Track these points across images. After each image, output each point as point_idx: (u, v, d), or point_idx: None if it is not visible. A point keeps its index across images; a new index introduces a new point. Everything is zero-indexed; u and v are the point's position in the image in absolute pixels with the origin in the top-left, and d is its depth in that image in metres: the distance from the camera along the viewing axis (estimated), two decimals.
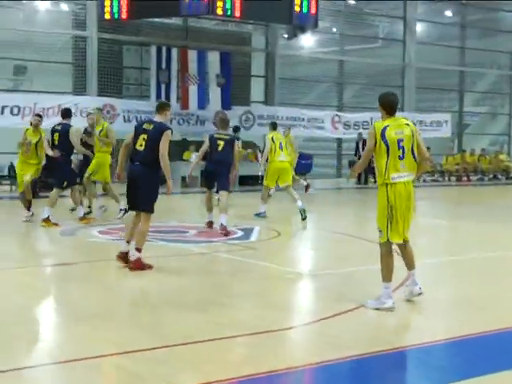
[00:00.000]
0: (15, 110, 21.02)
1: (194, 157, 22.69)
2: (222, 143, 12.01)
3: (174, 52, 23.65)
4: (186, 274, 8.65)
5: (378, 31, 31.45)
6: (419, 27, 30.85)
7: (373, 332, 6.16)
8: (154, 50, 23.47)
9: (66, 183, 12.69)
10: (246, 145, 25.55)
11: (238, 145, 12.68)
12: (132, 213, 9.01)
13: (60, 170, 12.70)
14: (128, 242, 8.73)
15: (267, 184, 14.17)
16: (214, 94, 24.16)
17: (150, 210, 8.59)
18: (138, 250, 8.51)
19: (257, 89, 27.70)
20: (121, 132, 23.52)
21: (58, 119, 21.66)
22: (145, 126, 8.62)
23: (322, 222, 14.31)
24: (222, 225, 11.63)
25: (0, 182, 19.81)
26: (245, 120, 25.62)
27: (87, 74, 23.37)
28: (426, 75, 32.80)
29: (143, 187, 8.47)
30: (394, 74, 31.57)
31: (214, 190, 12.24)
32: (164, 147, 8.39)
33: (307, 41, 30.39)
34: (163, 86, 23.39)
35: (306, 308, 7.39)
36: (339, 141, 29.76)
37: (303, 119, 26.77)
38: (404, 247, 7.05)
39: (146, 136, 8.47)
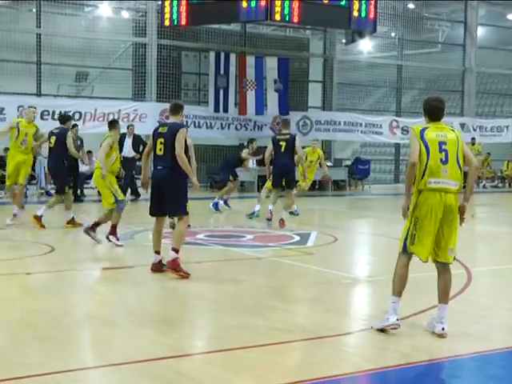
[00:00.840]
0: (77, 116, 21.41)
1: (251, 162, 22.78)
2: (283, 144, 12.59)
3: (233, 57, 23.78)
4: (242, 279, 8.65)
5: (438, 35, 31.02)
6: (480, 31, 30.35)
7: (432, 339, 6.05)
8: (212, 55, 23.64)
9: (66, 188, 12.98)
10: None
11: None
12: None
13: (60, 175, 13.07)
14: (157, 253, 8.68)
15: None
16: (272, 99, 24.20)
17: (182, 212, 8.53)
18: (175, 250, 8.39)
19: (314, 94, 27.63)
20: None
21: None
22: (160, 129, 8.56)
23: (380, 228, 14.17)
24: (282, 219, 12.91)
25: None
26: (302, 125, 25.58)
27: (146, 79, 23.66)
28: (487, 80, 32.29)
29: (169, 191, 8.37)
30: (454, 78, 31.14)
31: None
32: (179, 145, 8.27)
33: (365, 46, 30.20)
34: (221, 92, 23.54)
35: (363, 313, 7.31)
36: (397, 146, 29.48)
37: (361, 124, 26.60)
38: (441, 270, 6.23)
39: (162, 140, 8.41)
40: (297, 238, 11.94)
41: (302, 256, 10.33)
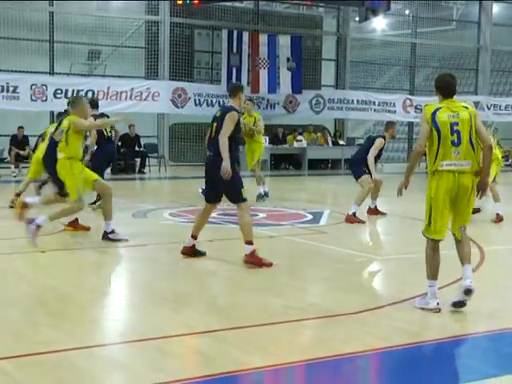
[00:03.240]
0: (89, 94, 21.43)
1: (263, 140, 22.71)
2: None
3: (245, 36, 23.70)
4: None
5: (452, 13, 30.77)
6: (495, 8, 30.05)
7: (443, 318, 6.06)
8: (225, 33, 23.57)
9: None
10: (316, 128, 25.47)
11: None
12: None
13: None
14: (194, 237, 8.36)
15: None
16: (285, 77, 24.13)
17: (239, 200, 8.03)
18: (249, 242, 7.96)
19: (327, 72, 27.53)
20: (191, 116, 23.88)
21: (131, 103, 22.22)
22: (216, 113, 8.24)
23: (392, 207, 14.14)
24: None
25: None
26: (315, 104, 25.51)
27: (159, 58, 23.64)
28: (502, 58, 31.99)
29: (219, 179, 7.90)
30: (468, 56, 30.92)
31: None
32: (223, 129, 7.86)
33: (379, 23, 29.98)
34: (234, 70, 23.49)
35: (376, 292, 7.33)
36: (410, 124, 29.37)
37: (374, 103, 26.50)
38: (456, 241, 6.34)
39: (215, 124, 8.08)
40: (309, 217, 11.94)
41: (315, 235, 10.34)
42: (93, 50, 24.31)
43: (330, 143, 25.28)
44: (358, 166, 12.12)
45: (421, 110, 27.21)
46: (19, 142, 20.18)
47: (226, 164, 7.80)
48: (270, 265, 7.91)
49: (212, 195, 8.25)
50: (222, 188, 8.03)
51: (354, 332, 5.61)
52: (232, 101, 8.26)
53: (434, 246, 6.26)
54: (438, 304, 6.16)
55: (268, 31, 24.81)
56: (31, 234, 8.82)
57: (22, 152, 20.03)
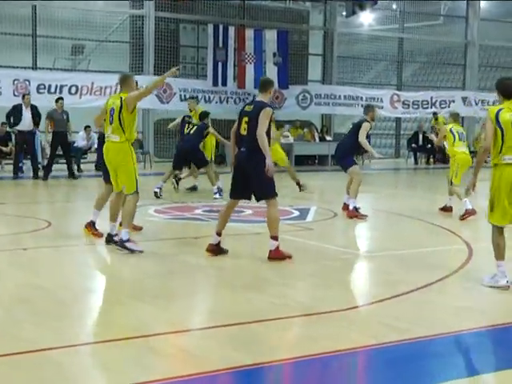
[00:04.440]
0: (73, 90, 21.35)
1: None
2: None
3: (231, 30, 23.66)
4: (241, 254, 8.67)
5: (440, 8, 30.85)
6: (483, 3, 30.18)
7: (432, 314, 6.09)
8: (210, 28, 23.51)
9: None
10: (303, 124, 25.48)
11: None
12: None
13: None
14: (218, 234, 8.36)
15: (456, 182, 11.96)
16: (271, 72, 24.07)
17: (271, 195, 8.14)
18: (274, 237, 8.12)
19: (314, 67, 27.54)
20: (178, 112, 23.83)
21: None
22: (246, 108, 8.23)
23: (379, 203, 14.19)
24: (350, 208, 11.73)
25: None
26: (302, 99, 25.51)
27: (144, 53, 23.56)
28: (490, 53, 32.12)
29: (254, 174, 8.00)
30: (456, 52, 31.03)
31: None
32: (261, 125, 7.90)
33: (366, 18, 30.04)
34: (220, 65, 23.44)
35: (363, 289, 7.35)
36: (398, 120, 29.44)
37: (361, 98, 26.52)
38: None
39: (247, 119, 8.07)
40: (296, 213, 11.95)
41: (302, 231, 10.35)
42: (76, 44, 24.19)
43: (317, 139, 25.31)
44: (346, 157, 12.01)
45: (408, 105, 27.35)
46: (1, 138, 20.05)
47: (269, 160, 7.92)
48: (290, 257, 8.16)
49: (239, 191, 8.28)
50: (255, 184, 8.09)
51: (342, 329, 5.62)
52: (262, 96, 8.28)
53: (498, 231, 6.95)
54: (507, 282, 6.85)
55: (254, 26, 24.78)
56: (133, 247, 8.42)
57: (4, 148, 19.88)
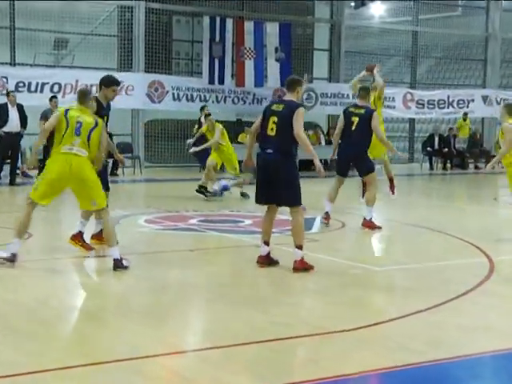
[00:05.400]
0: (56, 88, 21.38)
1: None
2: (356, 119, 11.47)
3: (229, 23, 23.70)
4: (240, 268, 8.68)
5: None
6: None
7: (452, 334, 6.08)
8: (206, 20, 23.55)
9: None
10: (308, 125, 25.48)
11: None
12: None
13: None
14: (266, 244, 8.58)
15: None
16: (272, 69, 24.12)
17: (297, 203, 8.40)
18: (299, 247, 8.36)
19: (320, 64, 27.57)
20: (169, 112, 23.90)
21: None
22: (274, 107, 8.42)
23: (392, 212, 14.19)
24: (367, 219, 11.50)
25: None
26: (306, 98, 25.54)
27: (133, 47, 23.59)
28: None
29: (282, 178, 8.24)
30: (476, 46, 31.07)
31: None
32: (298, 126, 8.15)
33: (377, 10, 30.13)
34: (216, 61, 23.48)
35: (374, 307, 7.35)
36: (411, 121, 29.45)
37: None
38: None
39: (276, 118, 8.27)
40: None
41: (307, 243, 10.32)
42: (59, 38, 24.20)
43: (323, 142, 25.33)
44: (365, 158, 11.64)
45: (423, 104, 27.40)
46: None
47: (317, 161, 8.39)
48: (313, 267, 8.34)
49: (268, 195, 8.44)
50: (282, 189, 8.27)
51: (350, 351, 5.62)
52: (291, 95, 8.49)
53: None
54: None
55: (254, 18, 24.84)
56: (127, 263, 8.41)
57: None
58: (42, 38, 23.31)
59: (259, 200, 8.57)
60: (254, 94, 24.54)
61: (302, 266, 8.30)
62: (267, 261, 8.55)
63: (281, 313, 6.64)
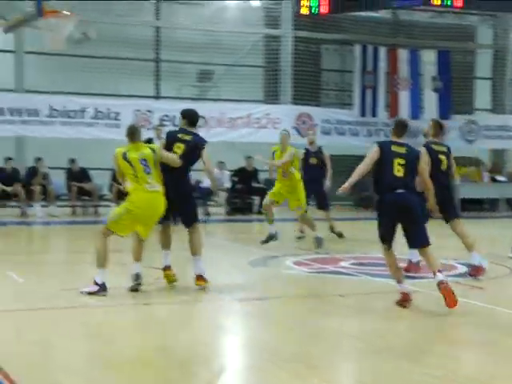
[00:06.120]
0: (200, 121, 21.78)
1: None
2: (443, 158, 11.41)
3: (382, 51, 23.73)
4: (394, 316, 8.56)
5: None
6: None
7: None
8: (357, 49, 23.68)
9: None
10: (469, 161, 25.01)
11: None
12: None
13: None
14: (399, 282, 8.95)
15: None
16: (430, 100, 23.95)
17: (428, 240, 8.92)
18: (439, 271, 8.71)
19: (482, 93, 27.10)
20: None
21: (248, 131, 22.57)
22: (396, 149, 8.94)
23: None
24: (473, 265, 11.14)
25: None
26: (467, 132, 25.15)
27: (280, 78, 23.95)
28: None
29: (417, 218, 8.86)
30: None
31: None
32: (426, 170, 9.32)
33: None
34: (368, 92, 23.52)
35: None
36: None
37: None
38: None
39: (402, 161, 8.87)
40: (462, 269, 11.69)
41: (470, 290, 10.11)
42: (204, 69, 24.89)
43: (486, 179, 24.77)
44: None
45: None
46: (76, 174, 20.88)
47: (433, 202, 9.52)
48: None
49: (392, 236, 8.94)
50: (414, 227, 8.85)
51: None
52: (403, 138, 9.17)
53: None
54: None
55: (409, 45, 24.74)
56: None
57: (85, 185, 20.70)
58: (187, 70, 23.99)
59: (388, 238, 8.91)
60: (410, 127, 24.30)
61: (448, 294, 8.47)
62: (407, 298, 8.84)
63: (440, 366, 6.49)
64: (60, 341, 7.16)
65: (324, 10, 22.09)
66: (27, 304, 8.79)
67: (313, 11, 22.36)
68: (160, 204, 9.42)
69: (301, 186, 13.99)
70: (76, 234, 17.89)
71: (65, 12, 17.01)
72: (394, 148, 8.94)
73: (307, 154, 15.80)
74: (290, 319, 8.35)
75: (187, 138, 9.99)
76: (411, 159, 8.94)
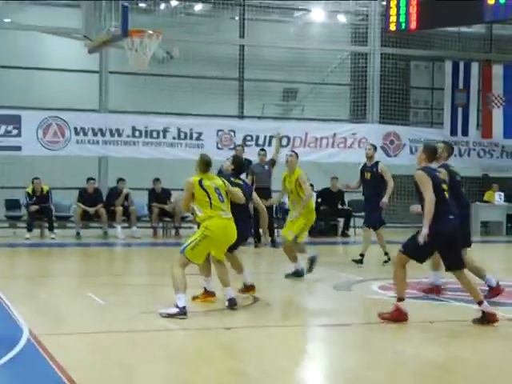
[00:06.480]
0: (284, 141, 21.85)
1: (497, 197, 22.17)
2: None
3: (474, 67, 23.48)
4: (486, 346, 8.42)
5: None
6: None
7: None
8: (448, 65, 23.48)
9: None
10: None
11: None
12: None
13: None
14: (479, 304, 9.19)
15: None
16: None
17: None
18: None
19: None
20: (406, 167, 23.76)
21: (333, 151, 22.54)
22: (440, 175, 9.31)
23: None
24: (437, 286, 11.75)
25: None
26: None
27: (367, 96, 23.89)
28: None
29: (459, 242, 9.26)
30: None
31: None
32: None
33: None
34: (460, 110, 23.28)
35: None
36: None
37: None
38: None
39: (446, 186, 9.24)
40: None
41: None
42: (288, 88, 24.99)
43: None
44: None
45: None
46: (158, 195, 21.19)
47: (425, 231, 9.07)
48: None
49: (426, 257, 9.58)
50: (456, 253, 9.22)
51: None
52: (434, 164, 9.66)
53: None
54: None
55: (504, 61, 24.40)
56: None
57: (166, 206, 20.99)
58: (271, 89, 24.13)
59: (455, 266, 9.27)
60: (503, 147, 23.99)
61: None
62: (489, 318, 9.11)
63: None
64: (139, 363, 7.27)
65: (413, 25, 21.93)
66: (107, 326, 8.97)
67: (401, 27, 22.23)
68: (233, 231, 9.93)
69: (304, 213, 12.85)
70: (157, 256, 18.13)
71: (149, 31, 17.31)
72: (439, 174, 9.36)
73: (363, 168, 15.50)
74: (377, 347, 8.29)
75: (239, 181, 10.89)
76: (451, 185, 9.59)
